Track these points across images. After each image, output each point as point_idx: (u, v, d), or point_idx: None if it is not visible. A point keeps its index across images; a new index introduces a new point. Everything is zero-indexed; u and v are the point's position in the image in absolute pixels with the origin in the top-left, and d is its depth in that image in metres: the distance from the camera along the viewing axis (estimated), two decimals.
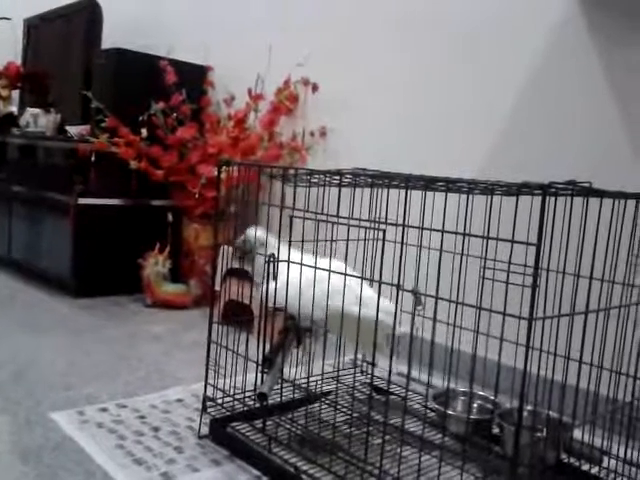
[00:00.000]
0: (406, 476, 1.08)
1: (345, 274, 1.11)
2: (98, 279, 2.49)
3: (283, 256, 1.20)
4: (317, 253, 1.19)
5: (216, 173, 1.32)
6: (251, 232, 1.31)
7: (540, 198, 0.83)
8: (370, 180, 1.17)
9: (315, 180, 1.23)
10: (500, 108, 1.77)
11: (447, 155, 1.88)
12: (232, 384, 1.29)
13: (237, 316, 1.64)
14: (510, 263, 0.90)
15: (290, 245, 1.17)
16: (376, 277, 1.06)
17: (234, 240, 1.31)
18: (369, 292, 1.18)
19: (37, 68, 3.23)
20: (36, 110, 2.91)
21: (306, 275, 1.16)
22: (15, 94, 3.34)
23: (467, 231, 0.96)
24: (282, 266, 1.20)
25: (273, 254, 1.20)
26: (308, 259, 1.18)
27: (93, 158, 2.39)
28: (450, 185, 1.04)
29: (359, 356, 1.59)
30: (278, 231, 1.21)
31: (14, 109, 3.26)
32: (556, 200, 0.91)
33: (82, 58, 2.77)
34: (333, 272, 1.11)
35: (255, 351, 1.24)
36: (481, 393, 1.35)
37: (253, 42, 2.53)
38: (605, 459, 1.13)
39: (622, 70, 1.53)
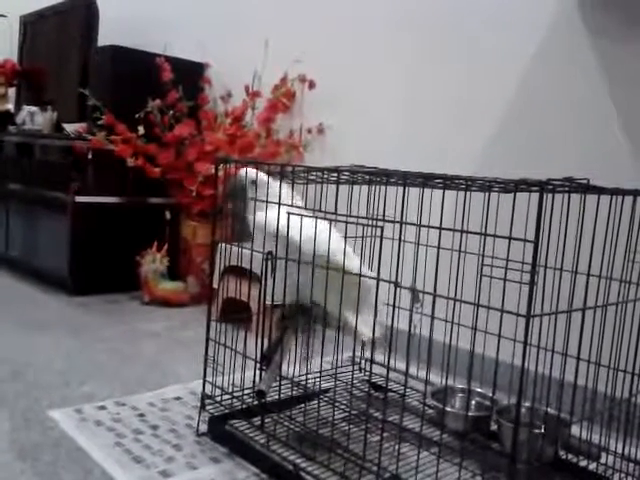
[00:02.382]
0: (404, 473, 1.09)
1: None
2: (95, 277, 2.49)
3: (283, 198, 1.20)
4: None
5: (213, 171, 1.32)
6: (242, 171, 1.30)
7: (538, 195, 0.83)
8: (368, 177, 1.17)
9: (313, 177, 1.22)
10: (498, 105, 1.77)
11: (445, 152, 1.88)
12: (230, 381, 1.29)
13: (235, 313, 1.64)
14: (508, 260, 0.90)
15: (281, 181, 1.18)
16: (374, 274, 1.06)
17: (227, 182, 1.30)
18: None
19: (33, 65, 3.22)
20: (33, 108, 2.90)
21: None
22: (11, 92, 3.33)
23: (465, 228, 0.97)
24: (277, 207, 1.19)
25: (271, 252, 1.20)
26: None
27: (90, 156, 2.39)
28: (448, 182, 1.03)
29: (357, 353, 1.60)
30: (276, 229, 1.21)
31: (10, 107, 3.24)
32: (554, 197, 0.92)
33: (78, 55, 2.76)
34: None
35: (253, 348, 1.24)
36: (479, 390, 1.36)
37: (250, 39, 2.52)
38: (603, 455, 1.13)
39: (619, 68, 1.53)
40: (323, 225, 1.15)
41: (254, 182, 1.27)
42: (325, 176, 1.19)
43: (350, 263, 1.17)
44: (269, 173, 1.28)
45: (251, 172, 1.28)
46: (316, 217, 1.13)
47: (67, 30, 2.95)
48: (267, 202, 1.20)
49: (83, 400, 1.44)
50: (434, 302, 0.97)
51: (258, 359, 1.24)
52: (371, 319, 1.07)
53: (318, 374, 1.45)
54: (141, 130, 2.40)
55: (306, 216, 1.15)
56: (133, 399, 1.46)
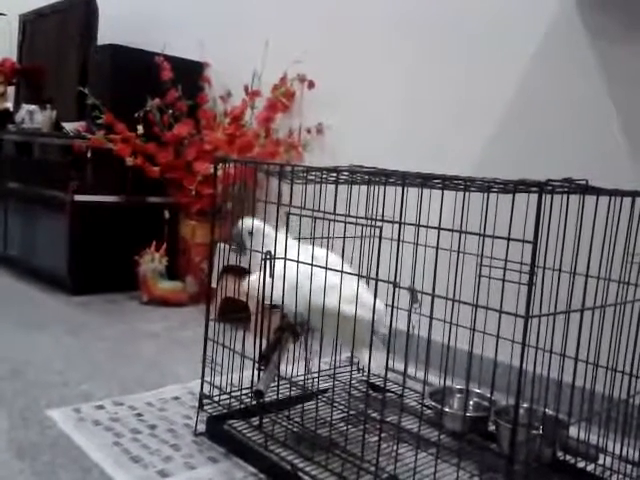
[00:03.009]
0: (402, 473, 1.08)
1: (341, 270, 1.11)
2: (94, 276, 2.49)
3: (275, 242, 1.19)
4: (314, 243, 1.19)
5: (212, 170, 1.32)
6: (239, 224, 1.30)
7: (537, 196, 0.83)
8: (367, 177, 1.16)
9: (312, 177, 1.22)
10: (497, 106, 1.77)
11: (444, 152, 1.88)
12: (229, 381, 1.29)
13: (234, 313, 1.64)
14: (506, 261, 0.90)
15: (277, 230, 1.18)
16: (372, 274, 1.06)
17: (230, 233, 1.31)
18: (353, 289, 1.17)
19: (33, 64, 3.21)
20: (32, 106, 2.90)
21: (299, 269, 1.15)
22: (11, 90, 3.33)
23: (464, 228, 0.96)
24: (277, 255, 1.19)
25: (269, 251, 1.20)
26: (303, 249, 1.17)
27: (89, 155, 2.39)
28: (447, 182, 1.03)
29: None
30: (275, 228, 1.21)
31: (9, 105, 3.24)
32: (552, 198, 0.91)
33: (78, 54, 2.77)
34: (329, 269, 1.11)
35: (252, 348, 1.24)
36: (477, 390, 1.36)
37: (250, 38, 2.52)
38: (601, 456, 1.14)
39: (619, 69, 1.53)
40: (334, 278, 1.12)
41: (251, 233, 1.27)
42: (324, 176, 1.19)
43: (361, 312, 1.11)
44: (268, 173, 1.28)
45: (247, 222, 1.29)
46: (326, 268, 1.11)
47: (66, 29, 2.95)
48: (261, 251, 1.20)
49: (81, 399, 1.44)
50: (432, 302, 0.97)
51: (256, 359, 1.24)
52: (382, 353, 1.06)
53: (316, 374, 1.45)
54: (140, 129, 2.40)
55: (317, 266, 1.14)
56: (131, 399, 1.46)
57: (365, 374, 1.58)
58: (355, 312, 1.07)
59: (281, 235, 1.21)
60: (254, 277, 1.22)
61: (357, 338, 1.08)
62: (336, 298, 1.10)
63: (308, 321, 1.22)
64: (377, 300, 1.06)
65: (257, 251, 1.22)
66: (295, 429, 1.24)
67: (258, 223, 1.29)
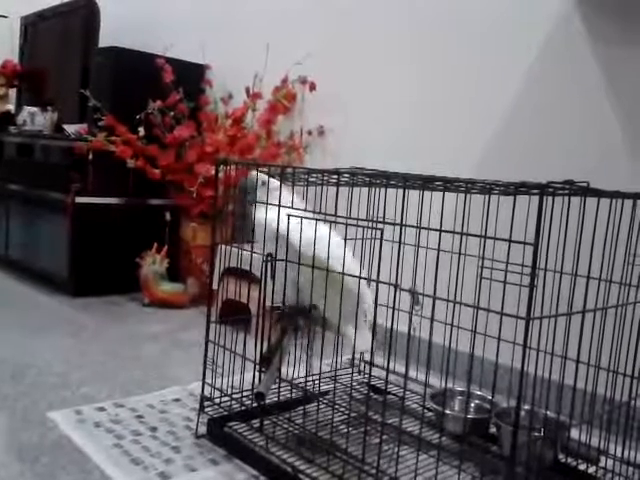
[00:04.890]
0: (403, 476, 1.08)
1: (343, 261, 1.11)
2: (95, 278, 2.49)
3: (285, 202, 1.20)
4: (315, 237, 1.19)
5: (214, 172, 1.32)
6: (253, 172, 1.30)
7: (538, 198, 0.83)
8: (368, 179, 1.16)
9: (313, 179, 1.22)
10: (498, 108, 1.77)
11: (445, 154, 1.88)
12: (230, 383, 1.29)
13: (235, 315, 1.64)
14: (508, 263, 0.90)
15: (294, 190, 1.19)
16: (374, 276, 1.06)
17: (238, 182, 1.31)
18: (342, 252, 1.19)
19: (34, 66, 3.22)
20: (33, 108, 2.90)
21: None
22: (12, 92, 3.34)
23: (465, 230, 0.96)
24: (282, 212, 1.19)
25: (270, 254, 1.20)
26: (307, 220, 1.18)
27: (90, 157, 2.39)
28: (448, 184, 1.03)
29: (357, 356, 1.59)
30: (277, 230, 1.21)
31: (11, 107, 3.25)
32: (554, 200, 0.92)
33: (79, 56, 2.77)
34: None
35: (253, 350, 1.24)
36: (479, 392, 1.36)
37: (251, 41, 2.52)
38: (602, 459, 1.13)
39: (619, 70, 1.53)
40: (324, 229, 1.15)
41: (264, 183, 1.27)
42: (325, 178, 1.19)
43: (348, 270, 1.16)
44: (269, 175, 1.28)
45: (262, 174, 1.29)
46: (317, 220, 1.13)
47: (68, 31, 2.95)
48: (268, 204, 1.20)
49: (82, 401, 1.44)
50: (434, 304, 0.97)
51: (257, 361, 1.24)
52: (368, 331, 1.07)
53: (317, 376, 1.45)
54: (142, 131, 2.40)
55: (307, 218, 1.15)
56: (132, 401, 1.46)
57: (366, 376, 1.57)
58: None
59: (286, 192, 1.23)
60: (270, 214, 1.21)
61: (348, 307, 1.09)
62: (324, 248, 1.12)
63: (310, 303, 1.22)
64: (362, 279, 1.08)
65: (270, 204, 1.21)
66: (296, 431, 1.24)
67: (264, 176, 1.29)
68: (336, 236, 1.18)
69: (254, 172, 1.30)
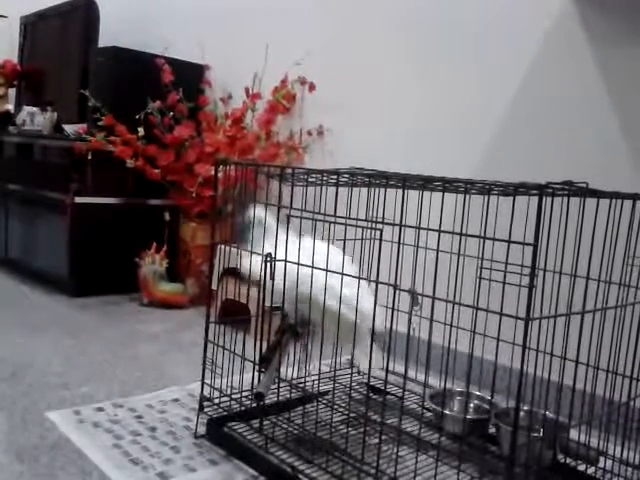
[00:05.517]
0: (403, 476, 1.08)
1: (341, 273, 1.11)
2: (95, 278, 2.49)
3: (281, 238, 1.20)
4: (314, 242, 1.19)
5: (213, 172, 1.32)
6: (250, 211, 1.30)
7: (537, 198, 0.83)
8: (367, 180, 1.16)
9: (312, 179, 1.22)
10: (497, 108, 1.77)
11: (444, 155, 1.88)
12: (229, 384, 1.29)
13: (234, 315, 1.64)
14: (507, 263, 0.90)
15: (288, 229, 1.18)
16: (373, 277, 1.06)
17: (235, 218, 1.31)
18: (352, 288, 1.17)
19: (34, 66, 3.22)
20: (33, 108, 2.90)
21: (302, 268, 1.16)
22: (12, 92, 3.34)
23: (464, 231, 0.96)
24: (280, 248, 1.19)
25: (270, 253, 1.20)
26: (305, 243, 1.17)
27: (90, 157, 2.39)
28: (447, 185, 1.03)
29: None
30: (276, 230, 1.21)
31: (10, 107, 3.25)
32: (553, 200, 0.92)
33: (79, 56, 2.77)
34: (330, 271, 1.11)
35: (252, 350, 1.24)
36: (478, 393, 1.35)
37: (250, 41, 2.52)
38: (601, 459, 1.13)
39: (618, 70, 1.53)
40: (335, 280, 1.12)
41: (261, 222, 1.27)
42: (324, 178, 1.19)
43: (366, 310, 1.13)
44: (269, 176, 1.28)
45: (259, 212, 1.29)
46: (327, 270, 1.12)
47: (67, 31, 2.95)
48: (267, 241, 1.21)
49: (81, 402, 1.43)
50: (433, 305, 0.97)
51: (257, 361, 1.24)
52: (368, 350, 1.06)
53: (317, 377, 1.45)
54: (141, 131, 2.40)
55: (304, 266, 1.14)
56: (131, 401, 1.46)
57: (365, 376, 1.57)
58: (339, 309, 1.08)
59: (282, 232, 1.21)
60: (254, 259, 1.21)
61: (350, 337, 1.09)
62: (334, 298, 1.11)
63: (309, 318, 1.22)
64: (366, 301, 1.08)
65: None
66: (295, 431, 1.24)
67: (261, 214, 1.29)
68: (350, 267, 1.18)
69: (250, 210, 1.30)
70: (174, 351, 1.88)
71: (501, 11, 1.77)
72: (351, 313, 1.11)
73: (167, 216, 2.55)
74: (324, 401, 1.39)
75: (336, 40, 2.23)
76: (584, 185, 0.93)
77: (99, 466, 1.14)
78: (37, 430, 1.27)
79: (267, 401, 1.24)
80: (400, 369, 1.18)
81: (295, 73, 2.31)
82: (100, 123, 2.38)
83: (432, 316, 1.00)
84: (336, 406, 1.38)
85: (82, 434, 1.26)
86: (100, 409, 1.40)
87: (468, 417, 1.30)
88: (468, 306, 0.96)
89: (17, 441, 1.22)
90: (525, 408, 1.17)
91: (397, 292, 0.98)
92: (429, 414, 1.37)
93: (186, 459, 1.20)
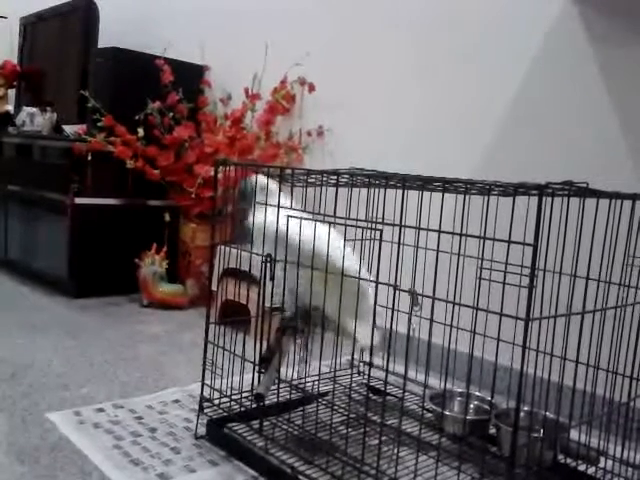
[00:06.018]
0: (403, 477, 1.08)
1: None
2: (95, 279, 2.49)
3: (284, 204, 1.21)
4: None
5: (213, 173, 1.32)
6: (253, 177, 1.30)
7: (537, 198, 0.83)
8: (367, 180, 1.16)
9: (312, 180, 1.22)
10: (497, 108, 1.77)
11: (444, 155, 1.88)
12: (229, 385, 1.29)
13: (234, 316, 1.64)
14: (507, 263, 0.90)
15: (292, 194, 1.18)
16: (373, 277, 1.06)
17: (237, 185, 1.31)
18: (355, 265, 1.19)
19: (33, 67, 3.22)
20: (32, 109, 2.90)
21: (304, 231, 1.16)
22: (11, 93, 3.34)
23: (464, 231, 0.96)
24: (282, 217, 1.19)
25: (270, 254, 1.20)
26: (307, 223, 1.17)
27: (89, 157, 2.39)
28: (447, 185, 1.03)
29: (356, 357, 1.59)
30: (276, 230, 1.21)
31: (10, 108, 3.24)
32: (553, 200, 0.92)
33: (78, 57, 2.77)
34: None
35: (252, 351, 1.24)
36: (478, 394, 1.35)
37: (250, 41, 2.52)
38: (602, 459, 1.13)
39: (618, 70, 1.53)
40: (323, 228, 1.15)
41: (263, 188, 1.27)
42: (324, 179, 1.19)
43: (349, 266, 1.16)
44: (268, 176, 1.28)
45: (262, 178, 1.29)
46: (315, 220, 1.13)
47: (67, 31, 2.95)
48: (268, 205, 1.20)
49: (82, 402, 1.43)
50: (433, 305, 0.97)
51: (257, 362, 1.24)
52: (369, 326, 1.07)
53: (317, 377, 1.45)
54: (141, 132, 2.40)
55: (306, 219, 1.15)
56: (131, 402, 1.46)
57: (365, 377, 1.57)
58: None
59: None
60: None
61: (350, 303, 1.09)
62: (324, 245, 1.12)
63: (310, 303, 1.22)
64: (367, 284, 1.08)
65: (269, 205, 1.21)
66: (295, 432, 1.24)
67: (264, 180, 1.29)
68: (335, 234, 1.18)
69: (253, 177, 1.30)
70: (174, 352, 1.88)
71: (501, 11, 1.77)
72: (353, 281, 1.11)
73: (167, 217, 2.55)
74: (324, 402, 1.39)
75: (336, 40, 2.23)
76: (584, 185, 0.93)
77: (99, 467, 1.14)
78: (37, 431, 1.27)
79: (267, 402, 1.24)
80: (400, 370, 1.18)
81: (295, 73, 2.31)
82: (100, 124, 2.38)
83: (432, 316, 1.00)
84: (336, 407, 1.38)
85: (82, 435, 1.26)
86: (100, 410, 1.40)
87: (468, 418, 1.30)
88: (468, 306, 0.96)
89: (17, 442, 1.22)
90: (525, 408, 1.16)
91: (397, 292, 0.98)
92: (429, 415, 1.37)
93: (186, 460, 1.20)
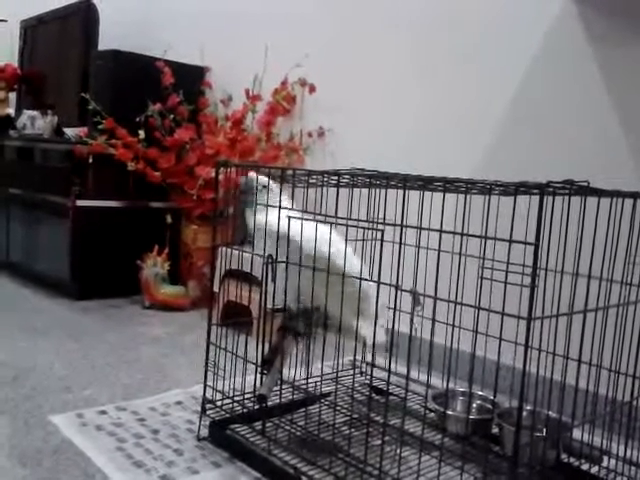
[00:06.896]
0: (406, 477, 1.08)
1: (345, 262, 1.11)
2: (96, 281, 2.49)
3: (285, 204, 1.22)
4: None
5: (214, 174, 1.32)
6: (253, 174, 1.30)
7: (538, 198, 0.83)
8: (368, 180, 1.16)
9: (313, 181, 1.22)
10: (497, 108, 1.77)
11: (445, 155, 1.88)
12: (231, 386, 1.29)
13: (236, 317, 1.64)
14: (508, 263, 0.90)
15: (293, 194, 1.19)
16: (374, 277, 1.06)
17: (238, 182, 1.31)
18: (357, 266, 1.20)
19: (34, 70, 3.22)
20: (33, 112, 2.90)
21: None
22: (12, 96, 3.34)
23: (465, 231, 0.96)
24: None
25: (271, 255, 1.20)
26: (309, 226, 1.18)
27: (91, 160, 2.39)
28: (448, 185, 1.03)
29: (358, 357, 1.59)
30: (277, 230, 1.21)
31: (11, 111, 3.25)
32: (554, 199, 0.91)
33: (79, 59, 2.77)
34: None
35: (254, 353, 1.24)
36: (480, 393, 1.35)
37: (250, 43, 2.53)
38: (605, 459, 1.13)
39: (618, 70, 1.53)
40: (324, 228, 1.16)
41: (265, 187, 1.27)
42: (325, 179, 1.19)
43: (350, 266, 1.16)
44: (270, 177, 1.28)
45: (262, 177, 1.29)
46: (316, 221, 1.13)
47: (67, 34, 2.96)
48: (269, 206, 1.20)
49: (84, 405, 1.44)
50: (435, 305, 0.97)
51: (259, 363, 1.24)
52: (372, 324, 1.07)
53: (319, 378, 1.45)
54: (142, 134, 2.40)
55: (307, 219, 1.15)
56: (134, 404, 1.46)
57: (368, 377, 1.57)
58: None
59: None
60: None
61: (352, 302, 1.09)
62: (326, 244, 1.13)
63: (312, 302, 1.22)
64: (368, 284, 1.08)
65: (270, 205, 1.22)
66: (298, 433, 1.24)
67: (264, 177, 1.29)
68: (336, 234, 1.18)
69: (253, 174, 1.30)
70: (176, 354, 1.88)
71: (501, 11, 1.77)
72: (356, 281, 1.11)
73: (168, 219, 2.55)
74: (327, 402, 1.39)
75: (336, 41, 2.23)
76: (585, 184, 0.93)
77: (102, 469, 1.14)
78: (40, 433, 1.27)
79: (269, 403, 1.24)
80: (402, 370, 1.18)
81: (295, 75, 2.31)
82: (101, 126, 2.38)
83: (434, 316, 1.00)
84: (339, 407, 1.38)
85: (85, 437, 1.26)
86: (103, 412, 1.40)
87: (471, 417, 1.29)
88: (470, 306, 0.96)
89: (20, 445, 1.22)
90: (528, 408, 1.16)
91: (399, 292, 0.98)
92: (432, 415, 1.37)
93: (189, 461, 1.20)
